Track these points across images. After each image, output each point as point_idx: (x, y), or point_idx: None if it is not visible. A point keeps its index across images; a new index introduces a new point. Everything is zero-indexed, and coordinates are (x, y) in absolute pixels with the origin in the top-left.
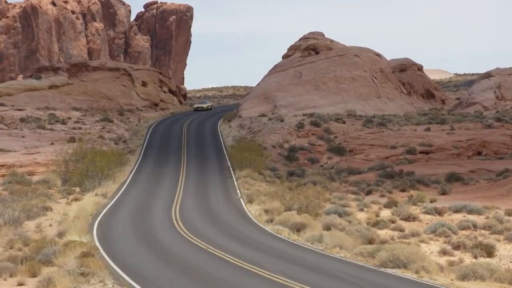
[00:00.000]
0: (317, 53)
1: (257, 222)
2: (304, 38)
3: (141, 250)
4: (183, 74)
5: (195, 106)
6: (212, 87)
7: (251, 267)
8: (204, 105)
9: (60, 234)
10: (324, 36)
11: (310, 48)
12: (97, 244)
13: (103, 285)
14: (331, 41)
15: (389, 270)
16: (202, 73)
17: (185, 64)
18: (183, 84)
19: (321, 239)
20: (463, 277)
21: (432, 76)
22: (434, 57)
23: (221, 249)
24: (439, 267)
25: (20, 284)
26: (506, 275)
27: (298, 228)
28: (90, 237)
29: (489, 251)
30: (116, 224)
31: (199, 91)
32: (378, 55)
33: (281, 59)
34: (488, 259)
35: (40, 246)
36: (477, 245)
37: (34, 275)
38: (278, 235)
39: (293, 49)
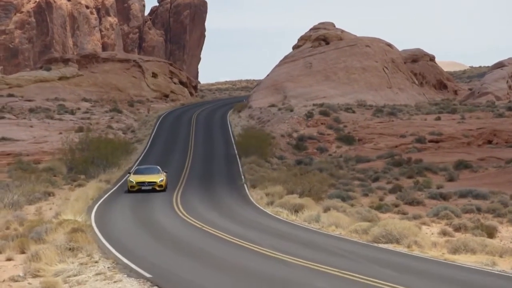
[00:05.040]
0: (327, 43)
1: (258, 205)
2: (315, 28)
3: (136, 230)
4: (197, 68)
5: (131, 180)
6: (226, 81)
7: (242, 242)
8: (157, 180)
9: (57, 215)
10: (334, 26)
11: (321, 38)
12: (93, 223)
13: (89, 258)
14: (342, 31)
15: (382, 245)
16: (216, 67)
17: (199, 58)
18: (197, 78)
19: (318, 218)
20: (454, 251)
21: (447, 68)
22: (449, 49)
23: (216, 228)
24: (432, 243)
25: (9, 259)
26: (498, 248)
27: (297, 209)
28: (85, 217)
29: (490, 232)
30: (116, 207)
31: (212, 84)
32: (389, 45)
33: (291, 50)
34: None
35: (34, 225)
36: (478, 226)
37: (23, 251)
38: (277, 216)
39: (303, 39)
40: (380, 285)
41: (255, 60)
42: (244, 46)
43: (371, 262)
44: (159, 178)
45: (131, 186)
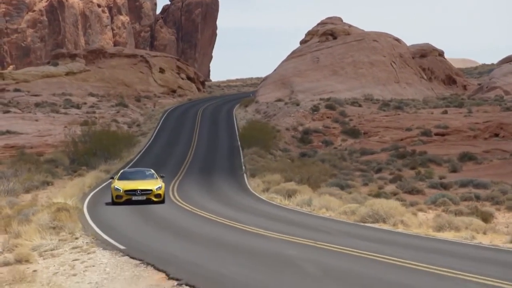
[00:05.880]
0: (335, 38)
1: (254, 192)
2: (322, 23)
3: (125, 212)
4: (209, 66)
5: (116, 187)
6: (237, 78)
7: (227, 221)
8: (154, 187)
9: (49, 199)
10: (342, 21)
11: (328, 33)
12: (84, 206)
13: (71, 235)
14: (349, 26)
15: (368, 225)
16: (228, 66)
17: (211, 57)
18: (209, 76)
19: (310, 202)
20: (439, 228)
21: (459, 65)
22: (462, 47)
23: (206, 211)
24: (419, 222)
25: None
26: (482, 226)
27: (290, 194)
28: (77, 201)
29: (486, 218)
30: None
31: (223, 82)
32: (397, 40)
33: (299, 45)
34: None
35: (23, 208)
36: (474, 211)
37: (8, 232)
38: (270, 201)
39: (310, 34)
40: (349, 252)
41: (267, 59)
42: (255, 45)
43: (349, 236)
44: (155, 184)
45: (117, 196)
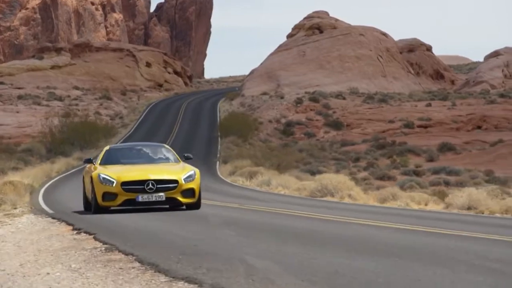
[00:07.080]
0: (321, 32)
1: (220, 176)
2: (308, 17)
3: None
4: (203, 65)
5: (105, 177)
6: (230, 76)
7: None
8: (180, 177)
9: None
10: (328, 15)
11: (314, 27)
12: (44, 186)
13: (12, 206)
14: (336, 20)
15: (317, 198)
16: (223, 65)
17: (205, 55)
18: (203, 74)
19: (269, 182)
20: (383, 200)
21: (450, 62)
22: (457, 44)
23: None
24: (366, 196)
25: None
26: (425, 198)
27: (252, 176)
28: (35, 180)
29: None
30: (79, 177)
31: (216, 79)
32: (384, 34)
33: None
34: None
35: None
36: (435, 193)
37: None
38: (233, 183)
39: (297, 28)
40: (265, 210)
41: (264, 57)
42: (252, 43)
43: (280, 202)
44: (181, 172)
45: (106, 195)
